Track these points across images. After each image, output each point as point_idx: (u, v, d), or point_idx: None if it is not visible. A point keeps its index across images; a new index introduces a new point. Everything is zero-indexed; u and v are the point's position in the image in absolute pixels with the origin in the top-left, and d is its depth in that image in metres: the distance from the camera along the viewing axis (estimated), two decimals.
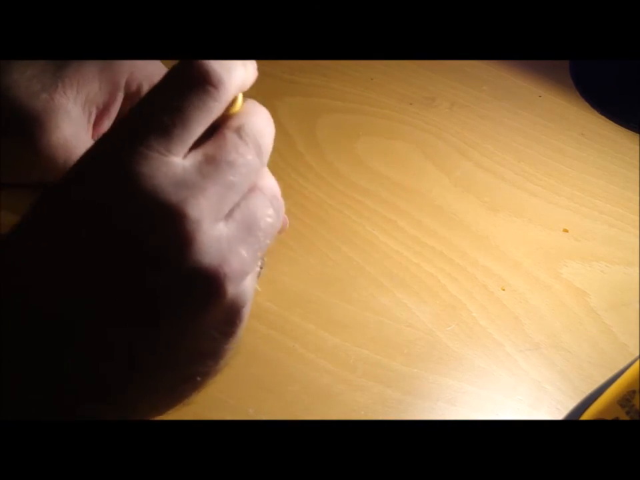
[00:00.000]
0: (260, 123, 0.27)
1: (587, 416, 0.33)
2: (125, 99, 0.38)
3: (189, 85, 0.25)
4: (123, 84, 0.37)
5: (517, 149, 0.52)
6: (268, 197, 0.27)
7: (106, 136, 0.25)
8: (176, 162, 0.24)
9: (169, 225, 0.23)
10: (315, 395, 0.37)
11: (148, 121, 0.24)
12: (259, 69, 0.29)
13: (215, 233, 0.24)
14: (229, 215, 0.25)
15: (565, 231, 0.48)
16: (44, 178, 0.36)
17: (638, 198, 0.50)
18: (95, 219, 0.23)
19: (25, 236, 0.25)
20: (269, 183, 0.28)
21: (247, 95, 0.29)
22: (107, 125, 0.38)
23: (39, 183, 0.37)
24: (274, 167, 0.47)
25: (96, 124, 0.37)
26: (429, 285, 0.43)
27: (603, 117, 0.56)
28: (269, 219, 0.27)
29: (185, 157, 0.24)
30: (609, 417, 0.31)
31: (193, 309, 0.24)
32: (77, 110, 0.36)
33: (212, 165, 0.25)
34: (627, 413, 0.30)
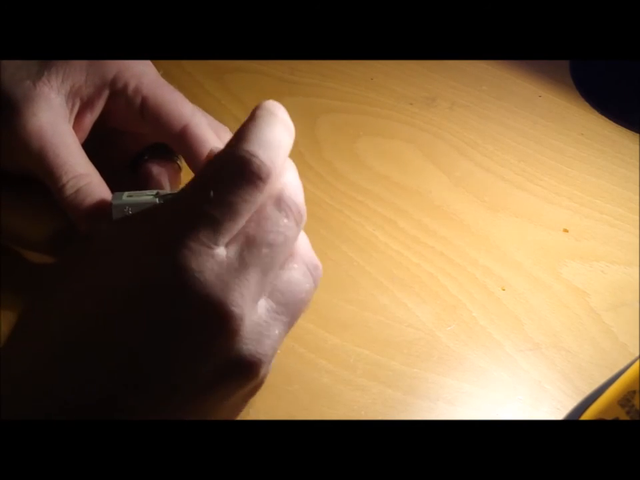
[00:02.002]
0: (296, 184, 0.28)
1: (587, 416, 0.33)
2: (110, 96, 0.38)
3: (240, 182, 0.25)
4: (109, 80, 0.37)
5: (517, 148, 0.52)
6: (308, 267, 0.28)
7: (157, 227, 0.25)
8: (221, 254, 0.25)
9: (214, 322, 0.25)
10: (315, 395, 0.37)
11: (198, 216, 0.25)
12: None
13: (255, 319, 0.26)
14: (268, 293, 0.26)
15: (565, 231, 0.48)
16: (27, 165, 0.36)
17: (638, 198, 0.50)
18: (143, 308, 0.25)
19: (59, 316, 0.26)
20: (306, 248, 0.28)
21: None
22: (89, 118, 0.38)
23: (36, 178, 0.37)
24: None
25: (78, 116, 0.38)
26: (429, 285, 0.43)
27: (603, 117, 0.56)
28: (305, 295, 0.28)
29: (228, 244, 0.25)
30: (609, 417, 0.31)
31: (229, 390, 0.26)
32: (59, 99, 0.36)
33: (253, 249, 0.25)
34: (627, 412, 0.30)
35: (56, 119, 0.36)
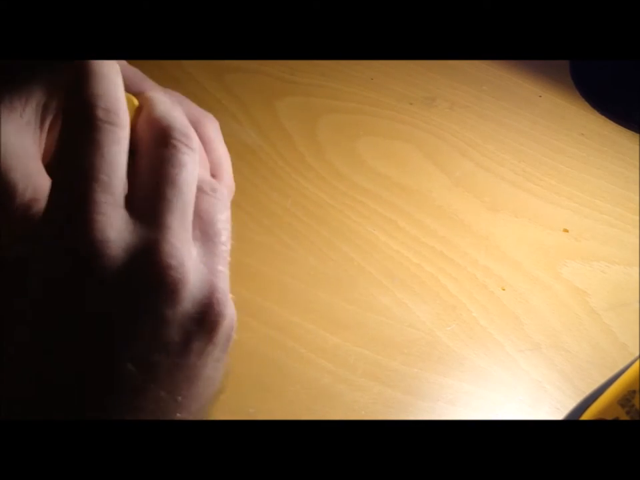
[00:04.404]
0: (167, 108, 0.27)
1: (587, 416, 0.33)
2: None
3: (94, 125, 0.25)
4: None
5: (517, 148, 0.52)
6: (209, 192, 0.27)
7: (49, 216, 0.24)
8: (127, 215, 0.24)
9: (156, 281, 0.23)
10: (315, 395, 0.37)
11: (75, 186, 0.24)
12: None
13: (194, 261, 0.25)
14: (192, 234, 0.25)
15: (565, 231, 0.48)
16: None
17: (638, 198, 0.50)
18: (83, 294, 0.23)
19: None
20: (200, 173, 0.27)
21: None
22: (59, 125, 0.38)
23: None
24: (274, 166, 0.48)
25: (51, 129, 0.37)
26: (429, 284, 0.43)
27: (603, 117, 0.56)
28: (222, 217, 0.27)
29: (129, 200, 0.24)
30: (609, 417, 0.31)
31: (203, 345, 0.25)
32: (25, 118, 0.36)
33: (157, 192, 0.25)
34: (627, 412, 0.30)
35: (13, 139, 0.35)
